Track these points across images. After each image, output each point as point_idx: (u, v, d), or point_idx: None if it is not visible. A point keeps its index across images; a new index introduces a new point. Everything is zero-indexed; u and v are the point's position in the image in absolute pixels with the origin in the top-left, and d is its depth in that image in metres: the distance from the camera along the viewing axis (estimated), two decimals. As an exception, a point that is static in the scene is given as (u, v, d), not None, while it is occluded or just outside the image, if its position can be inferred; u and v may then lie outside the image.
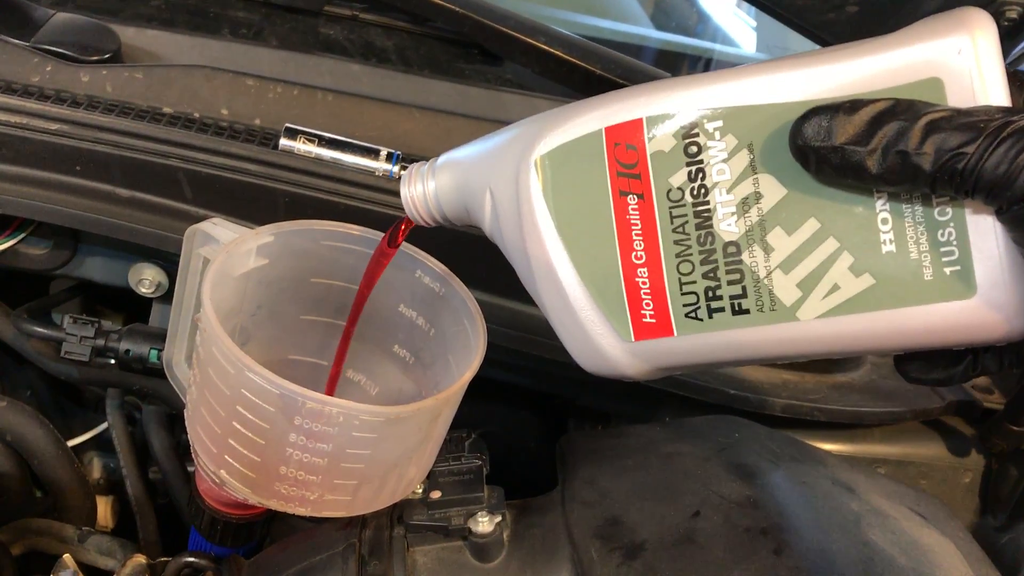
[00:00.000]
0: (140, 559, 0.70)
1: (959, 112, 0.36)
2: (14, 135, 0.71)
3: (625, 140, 0.44)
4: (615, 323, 0.46)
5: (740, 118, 0.41)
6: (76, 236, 0.81)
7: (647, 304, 0.45)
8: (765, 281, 0.42)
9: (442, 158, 0.52)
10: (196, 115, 0.77)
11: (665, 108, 0.43)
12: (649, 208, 0.44)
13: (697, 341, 0.45)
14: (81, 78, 0.76)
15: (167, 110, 0.77)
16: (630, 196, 0.44)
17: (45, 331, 0.80)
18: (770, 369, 0.82)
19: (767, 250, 0.42)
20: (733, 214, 0.42)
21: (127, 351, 0.79)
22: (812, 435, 0.80)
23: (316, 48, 0.90)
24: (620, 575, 0.57)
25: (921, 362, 0.44)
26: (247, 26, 0.92)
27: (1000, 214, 0.37)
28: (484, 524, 0.61)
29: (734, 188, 0.42)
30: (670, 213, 0.43)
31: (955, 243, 0.39)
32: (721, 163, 0.42)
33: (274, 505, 0.58)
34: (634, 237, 0.44)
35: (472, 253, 0.72)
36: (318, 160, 0.74)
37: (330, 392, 0.69)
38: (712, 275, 0.43)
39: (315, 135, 0.74)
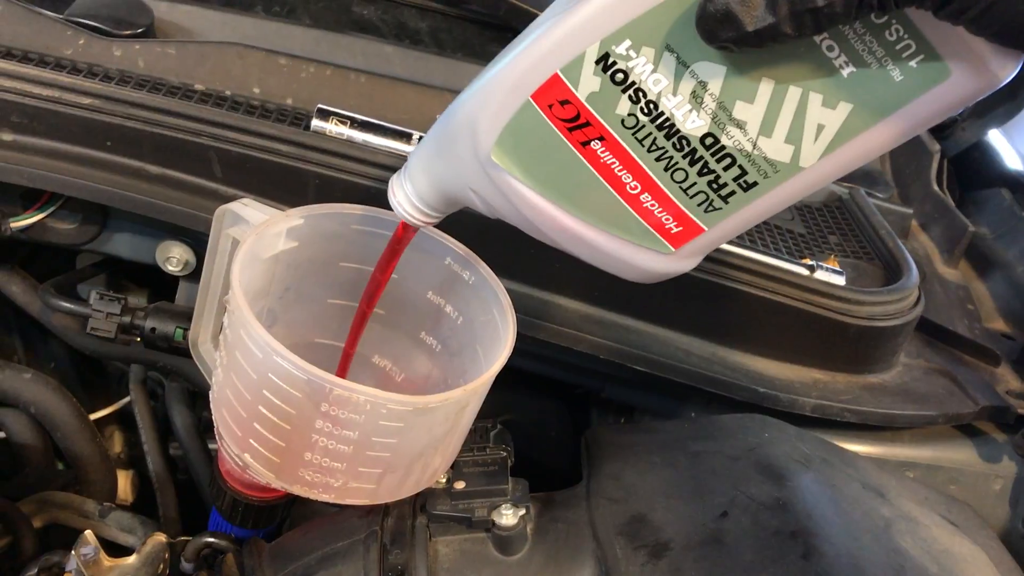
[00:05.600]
0: (160, 538, 0.70)
1: None
2: (46, 108, 0.71)
3: (555, 99, 0.43)
4: (651, 245, 0.47)
5: (644, 28, 0.40)
6: (105, 212, 0.81)
7: (667, 219, 0.46)
8: (756, 153, 0.42)
9: (411, 164, 0.52)
10: (228, 93, 0.76)
11: (570, 52, 0.42)
12: (615, 144, 0.43)
13: (727, 224, 0.45)
14: (114, 52, 0.76)
15: (199, 87, 0.76)
16: (592, 143, 0.44)
17: (72, 306, 0.80)
18: (801, 368, 0.80)
19: (740, 126, 0.42)
20: (691, 111, 0.42)
21: (153, 329, 0.79)
22: (841, 436, 0.78)
23: (349, 28, 0.89)
24: (645, 574, 0.56)
25: None
26: (280, 4, 0.91)
27: (937, 13, 0.35)
28: (508, 517, 0.60)
29: (678, 89, 0.41)
30: (636, 139, 0.43)
31: (906, 36, 0.38)
32: (652, 74, 0.41)
33: (297, 491, 0.57)
34: (618, 173, 0.44)
35: (500, 240, 0.71)
36: (350, 142, 0.73)
37: (342, 374, 0.68)
38: (706, 170, 0.43)
39: (347, 117, 0.73)
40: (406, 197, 0.53)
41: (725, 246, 0.76)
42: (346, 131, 0.73)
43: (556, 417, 1.02)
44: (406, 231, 0.58)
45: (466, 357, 0.66)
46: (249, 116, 0.73)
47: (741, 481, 0.62)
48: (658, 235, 0.46)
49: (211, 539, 0.69)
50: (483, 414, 0.62)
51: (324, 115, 0.73)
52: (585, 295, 0.78)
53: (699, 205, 0.45)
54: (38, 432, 0.90)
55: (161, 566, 0.68)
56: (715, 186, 0.44)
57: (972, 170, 1.19)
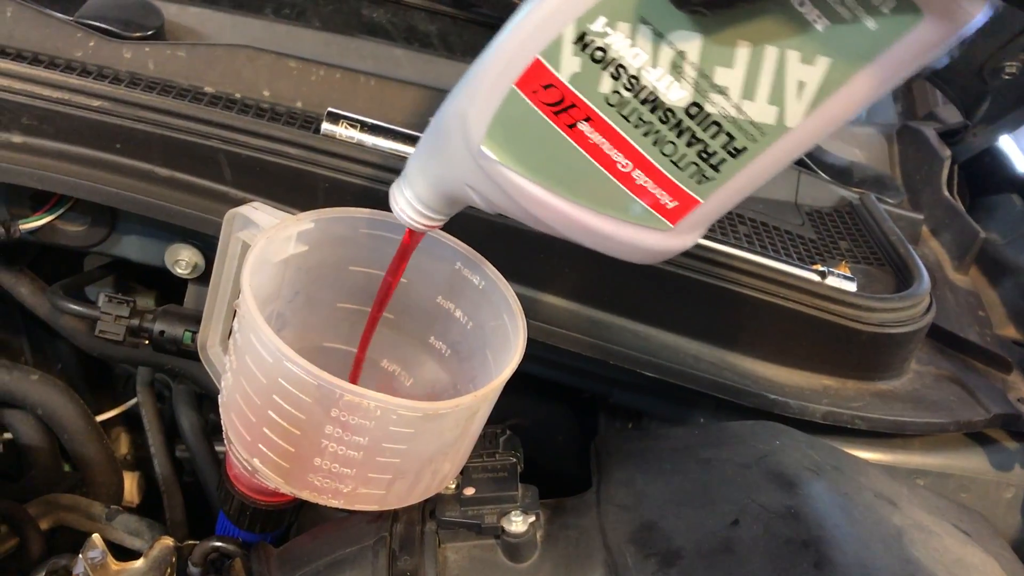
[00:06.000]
0: (167, 541, 0.70)
1: None
2: (56, 111, 0.71)
3: (539, 84, 0.43)
4: (649, 223, 0.47)
5: (617, 3, 0.41)
6: (114, 214, 0.81)
7: (661, 195, 0.45)
8: (741, 117, 0.42)
9: (409, 168, 0.53)
10: (237, 96, 0.76)
11: (548, 36, 0.42)
12: (602, 123, 0.43)
13: (722, 193, 0.45)
14: (124, 55, 0.75)
15: (208, 89, 0.76)
16: (579, 124, 0.44)
17: (81, 309, 0.80)
18: (811, 375, 0.80)
19: (723, 92, 0.42)
20: (673, 81, 0.42)
21: (161, 332, 0.78)
22: (851, 443, 0.78)
23: (359, 31, 0.89)
24: (656, 582, 0.56)
25: None
26: (290, 6, 0.91)
27: None
28: (518, 524, 0.60)
29: (657, 61, 0.41)
30: (621, 116, 0.43)
31: None
32: (631, 49, 0.41)
33: (307, 496, 0.57)
34: (608, 153, 0.44)
35: (510, 245, 0.71)
36: (360, 146, 0.73)
37: (354, 379, 0.68)
38: (695, 140, 0.43)
39: (357, 120, 0.73)
40: (407, 203, 0.53)
41: (736, 251, 0.76)
42: (356, 134, 0.73)
43: (563, 421, 1.01)
44: (413, 237, 0.58)
45: (476, 362, 0.66)
46: (259, 119, 0.73)
47: (752, 489, 0.62)
48: (655, 212, 0.46)
49: (219, 543, 0.69)
50: (490, 419, 0.62)
51: (334, 118, 0.73)
52: (595, 300, 0.78)
53: (691, 177, 0.44)
54: (45, 434, 0.90)
55: (168, 570, 0.68)
56: (705, 156, 0.44)
57: (983, 176, 1.18)
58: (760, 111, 0.42)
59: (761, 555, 0.56)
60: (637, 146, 0.44)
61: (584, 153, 0.45)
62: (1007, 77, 0.96)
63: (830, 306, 0.76)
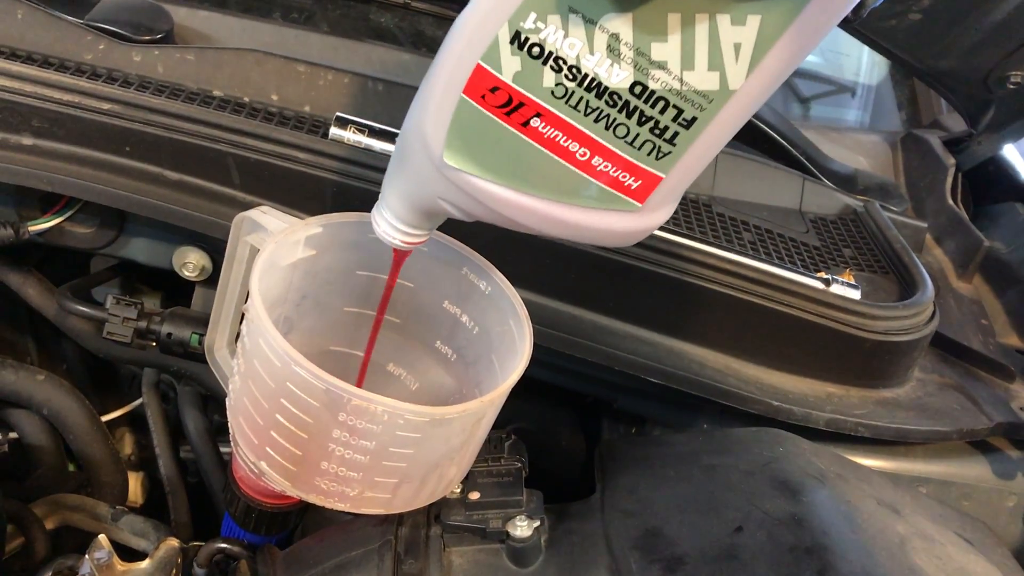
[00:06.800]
0: (173, 543, 0.70)
1: None
2: (66, 113, 0.71)
3: (485, 88, 0.43)
4: (618, 206, 0.47)
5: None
6: (122, 216, 0.81)
7: (623, 176, 0.46)
8: (685, 88, 0.42)
9: (384, 191, 0.54)
10: (246, 100, 0.77)
11: (484, 40, 0.42)
12: (553, 117, 0.44)
13: (683, 165, 0.45)
14: (133, 58, 0.76)
15: (217, 93, 0.76)
16: (531, 121, 0.44)
17: (89, 311, 0.80)
18: (815, 382, 0.80)
19: (663, 67, 0.42)
20: (612, 65, 0.42)
21: (169, 334, 0.79)
22: (854, 450, 0.78)
23: (367, 35, 0.89)
24: (660, 588, 0.56)
25: None
26: (298, 11, 0.91)
27: None
28: (523, 528, 0.60)
29: (594, 47, 0.42)
30: (570, 106, 0.44)
31: None
32: (565, 40, 0.42)
33: (313, 499, 0.57)
34: (565, 144, 0.45)
35: (517, 251, 0.71)
36: (368, 151, 0.73)
37: (360, 383, 0.68)
38: (644, 119, 0.43)
39: (365, 125, 0.74)
40: (388, 224, 0.54)
41: (740, 258, 0.76)
42: (364, 139, 0.73)
43: (567, 426, 1.01)
44: (400, 255, 0.59)
45: (481, 367, 0.66)
46: (267, 123, 0.74)
47: (756, 496, 0.62)
48: (621, 194, 0.47)
49: (224, 545, 0.69)
50: (495, 423, 0.62)
51: (342, 123, 0.74)
52: (600, 306, 0.78)
53: (649, 154, 0.45)
54: (51, 434, 0.90)
55: (174, 571, 0.68)
56: (657, 132, 0.44)
57: (987, 184, 1.18)
58: (702, 79, 0.42)
59: (765, 562, 0.57)
60: (590, 133, 0.44)
61: (541, 148, 0.45)
62: (1012, 86, 0.96)
63: (834, 314, 0.77)
